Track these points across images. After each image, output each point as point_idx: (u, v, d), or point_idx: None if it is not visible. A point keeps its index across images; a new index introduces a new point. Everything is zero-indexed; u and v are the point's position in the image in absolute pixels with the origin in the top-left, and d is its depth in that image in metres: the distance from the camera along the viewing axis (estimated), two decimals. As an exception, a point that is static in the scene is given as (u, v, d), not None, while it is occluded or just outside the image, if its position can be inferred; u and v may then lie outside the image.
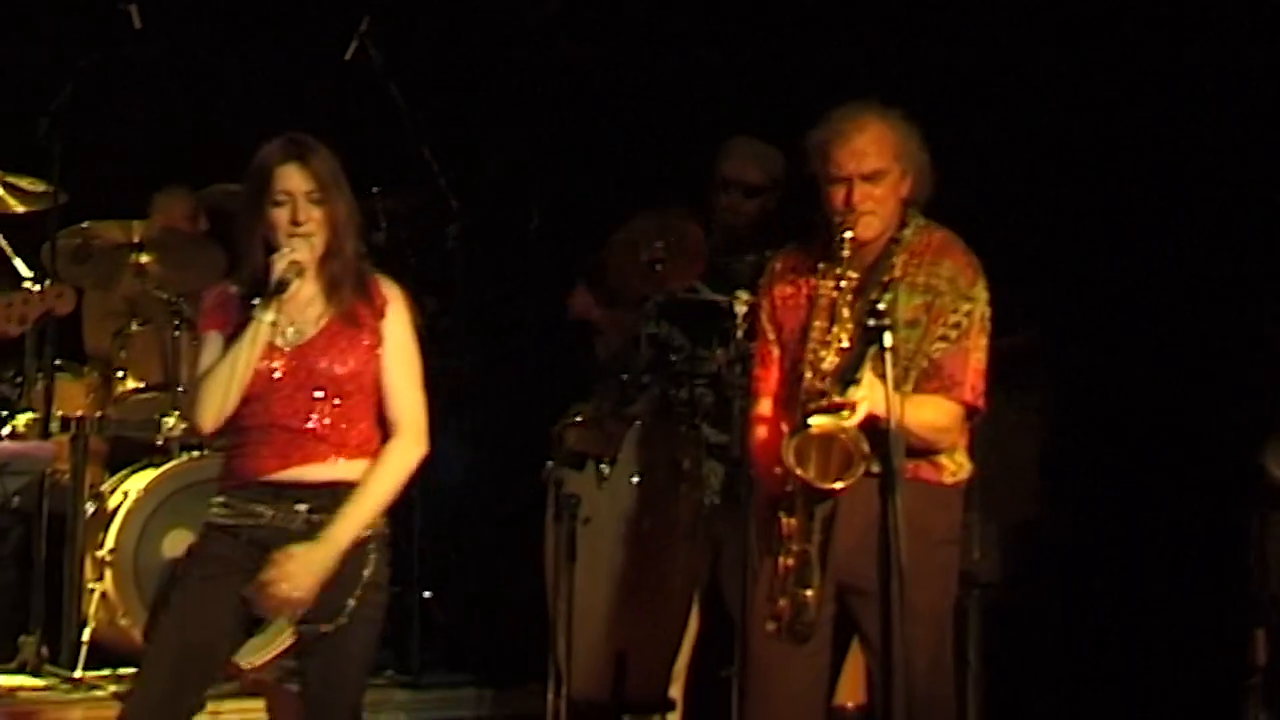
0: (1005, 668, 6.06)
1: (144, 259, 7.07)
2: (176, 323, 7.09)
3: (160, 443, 6.96)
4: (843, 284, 4.69)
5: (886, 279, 4.71)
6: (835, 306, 4.69)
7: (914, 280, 4.73)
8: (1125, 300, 6.22)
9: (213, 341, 4.48)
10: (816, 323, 4.72)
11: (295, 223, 4.43)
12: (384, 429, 4.53)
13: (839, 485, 4.55)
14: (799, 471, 4.55)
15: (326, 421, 4.46)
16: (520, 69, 8.06)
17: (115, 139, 7.74)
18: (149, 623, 4.62)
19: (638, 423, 6.09)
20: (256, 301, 4.40)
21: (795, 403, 4.67)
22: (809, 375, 4.67)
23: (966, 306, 4.73)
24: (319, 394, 4.46)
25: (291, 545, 4.38)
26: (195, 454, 6.91)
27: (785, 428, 4.66)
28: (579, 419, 6.14)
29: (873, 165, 4.71)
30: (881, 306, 4.46)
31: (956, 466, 4.80)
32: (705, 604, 6.11)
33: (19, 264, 6.86)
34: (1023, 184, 6.38)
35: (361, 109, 7.26)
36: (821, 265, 4.77)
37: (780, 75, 7.06)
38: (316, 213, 4.45)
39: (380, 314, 4.55)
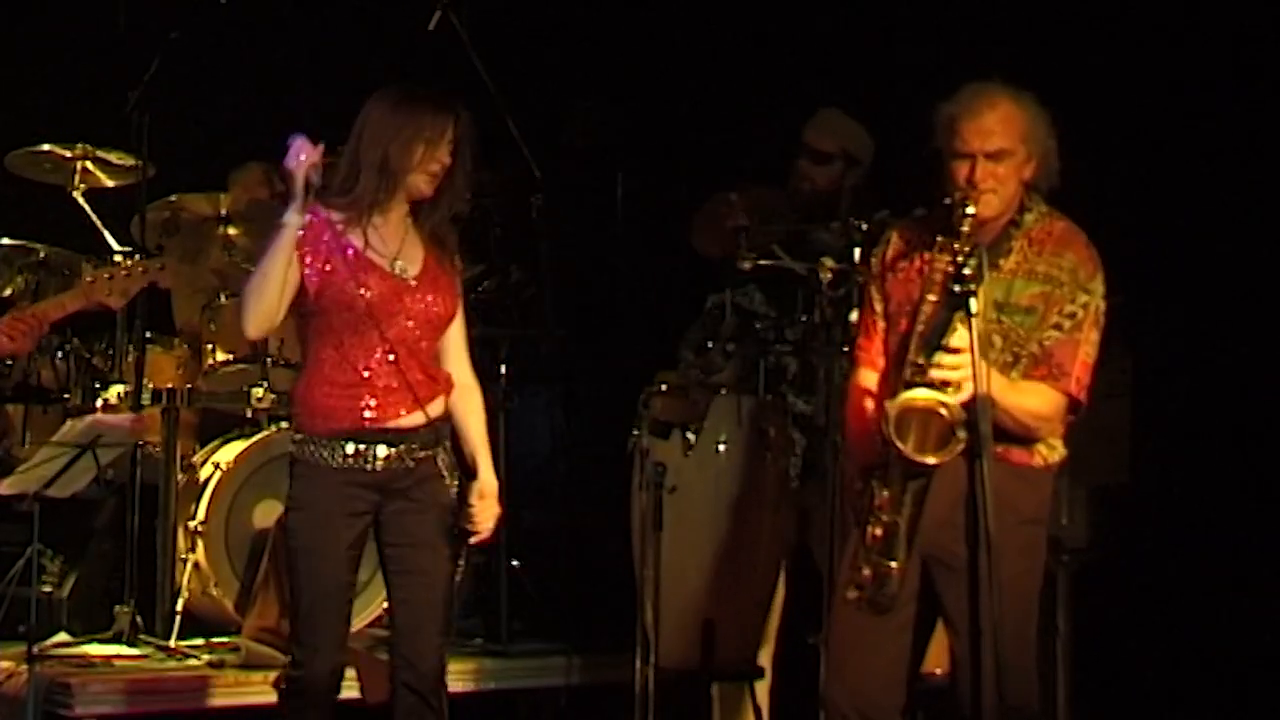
0: (1094, 634, 6.03)
1: (231, 231, 7.11)
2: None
3: (250, 414, 7.01)
4: (959, 259, 4.66)
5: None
6: (948, 283, 4.67)
7: (1033, 269, 4.70)
8: (1219, 265, 6.16)
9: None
10: (929, 297, 4.69)
11: (439, 161, 4.71)
12: None
13: (935, 459, 4.53)
14: (898, 443, 4.53)
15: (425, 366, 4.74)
16: (604, 37, 8.05)
17: (202, 112, 7.79)
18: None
19: (723, 391, 6.08)
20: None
21: (898, 376, 4.65)
22: (914, 349, 4.64)
23: (1084, 298, 4.70)
24: (418, 332, 4.72)
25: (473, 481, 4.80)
26: (284, 425, 6.95)
27: (886, 400, 4.64)
28: (665, 388, 6.14)
29: (998, 144, 4.67)
30: (967, 272, 4.42)
31: (1049, 450, 4.77)
32: (793, 571, 6.10)
33: (109, 238, 6.93)
34: (1114, 148, 6.32)
35: (445, 80, 7.26)
36: (939, 240, 4.73)
37: (870, 45, 7.02)
38: (445, 161, 4.73)
39: (459, 271, 4.88)
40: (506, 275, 7.21)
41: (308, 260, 4.66)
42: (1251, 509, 5.98)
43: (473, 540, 4.82)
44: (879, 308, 4.87)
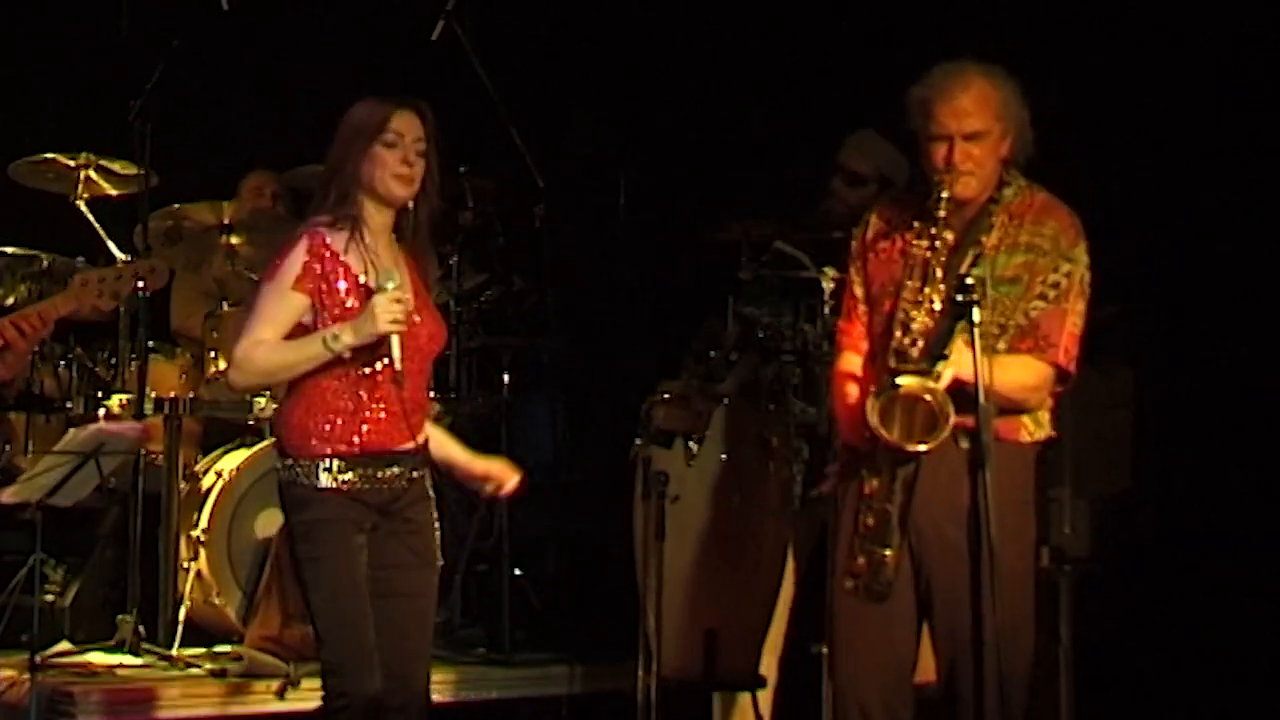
0: (1096, 643, 6.02)
1: (234, 240, 7.12)
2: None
3: (252, 423, 7.02)
4: (938, 243, 4.67)
5: (976, 253, 4.70)
6: (929, 266, 4.68)
7: (1015, 240, 4.72)
8: (1220, 275, 6.15)
9: (288, 302, 4.61)
10: (909, 281, 4.70)
11: (406, 163, 4.61)
12: None
13: (923, 447, 4.54)
14: (883, 432, 4.54)
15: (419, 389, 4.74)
16: (606, 46, 8.06)
17: (204, 121, 7.80)
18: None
19: (726, 400, 6.08)
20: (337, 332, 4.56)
21: (883, 358, 4.67)
22: (898, 334, 4.65)
23: (1067, 267, 4.71)
24: (416, 359, 4.69)
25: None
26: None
27: (871, 385, 4.65)
28: (667, 396, 6.14)
29: (975, 125, 4.69)
30: (970, 281, 4.42)
31: (1035, 426, 4.79)
32: (806, 579, 6.10)
33: (112, 246, 6.93)
34: (1113, 157, 6.32)
35: (448, 88, 7.28)
36: (917, 223, 4.75)
37: (872, 50, 7.02)
38: (421, 164, 4.65)
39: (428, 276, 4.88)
40: (509, 284, 7.22)
41: (309, 288, 4.62)
42: (1253, 518, 5.97)
43: (506, 491, 4.88)
44: (859, 291, 4.90)
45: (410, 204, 4.71)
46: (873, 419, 4.54)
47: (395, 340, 4.56)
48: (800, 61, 7.38)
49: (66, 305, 5.46)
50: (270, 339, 4.61)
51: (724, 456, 6.02)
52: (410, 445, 4.69)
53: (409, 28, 7.44)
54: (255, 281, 7.08)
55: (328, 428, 4.62)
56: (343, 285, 4.61)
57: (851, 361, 4.86)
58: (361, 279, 4.63)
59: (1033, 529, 4.86)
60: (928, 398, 4.52)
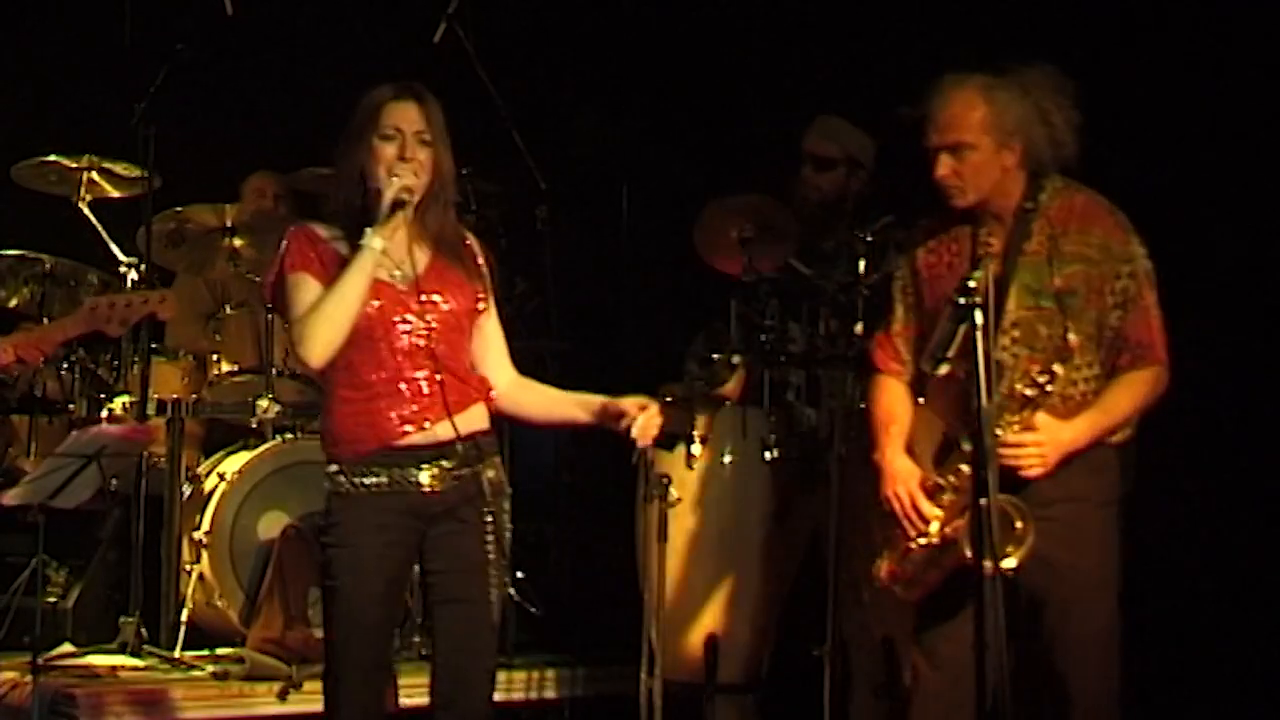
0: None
1: (237, 243, 7.12)
2: (269, 306, 7.15)
3: (255, 425, 7.02)
4: (983, 252, 4.70)
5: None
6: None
7: (1061, 250, 4.71)
8: (1221, 280, 6.14)
9: (305, 283, 4.40)
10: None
11: (402, 158, 4.42)
12: None
13: (1007, 564, 4.53)
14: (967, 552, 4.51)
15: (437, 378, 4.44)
16: (608, 48, 8.06)
17: (208, 124, 7.80)
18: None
19: (727, 403, 6.08)
20: (367, 230, 4.34)
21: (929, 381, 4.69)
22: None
23: (1127, 268, 4.72)
24: (434, 334, 4.44)
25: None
26: (289, 436, 6.97)
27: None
28: (669, 399, 6.14)
29: (954, 137, 4.71)
30: (972, 284, 4.41)
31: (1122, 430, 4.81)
32: (795, 582, 6.10)
33: (115, 249, 6.94)
34: (1112, 163, 6.31)
35: (450, 91, 7.26)
36: (960, 238, 4.80)
37: (874, 51, 7.02)
38: (423, 154, 4.45)
39: (478, 261, 4.57)
40: (511, 286, 7.22)
41: (311, 269, 4.42)
42: (1255, 524, 5.96)
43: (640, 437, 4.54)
44: (901, 308, 4.93)
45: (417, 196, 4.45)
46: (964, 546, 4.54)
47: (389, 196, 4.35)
48: (803, 62, 7.38)
49: (76, 328, 5.50)
50: (310, 303, 4.38)
51: (726, 460, 6.03)
52: (445, 433, 4.41)
53: (411, 30, 7.44)
54: (258, 284, 7.16)
55: (351, 424, 4.42)
56: (337, 267, 4.40)
57: (889, 386, 4.91)
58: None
59: (1114, 534, 4.81)
60: (1012, 514, 4.53)
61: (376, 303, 4.40)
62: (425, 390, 4.42)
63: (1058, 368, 4.60)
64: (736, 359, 6.04)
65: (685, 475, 5.95)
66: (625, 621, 6.04)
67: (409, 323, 4.44)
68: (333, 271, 4.40)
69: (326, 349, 4.33)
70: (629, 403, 4.55)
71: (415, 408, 4.42)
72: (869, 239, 5.84)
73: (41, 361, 5.84)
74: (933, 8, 6.85)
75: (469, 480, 4.46)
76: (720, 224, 6.14)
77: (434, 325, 4.45)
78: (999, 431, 4.56)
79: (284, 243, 4.50)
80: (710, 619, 5.93)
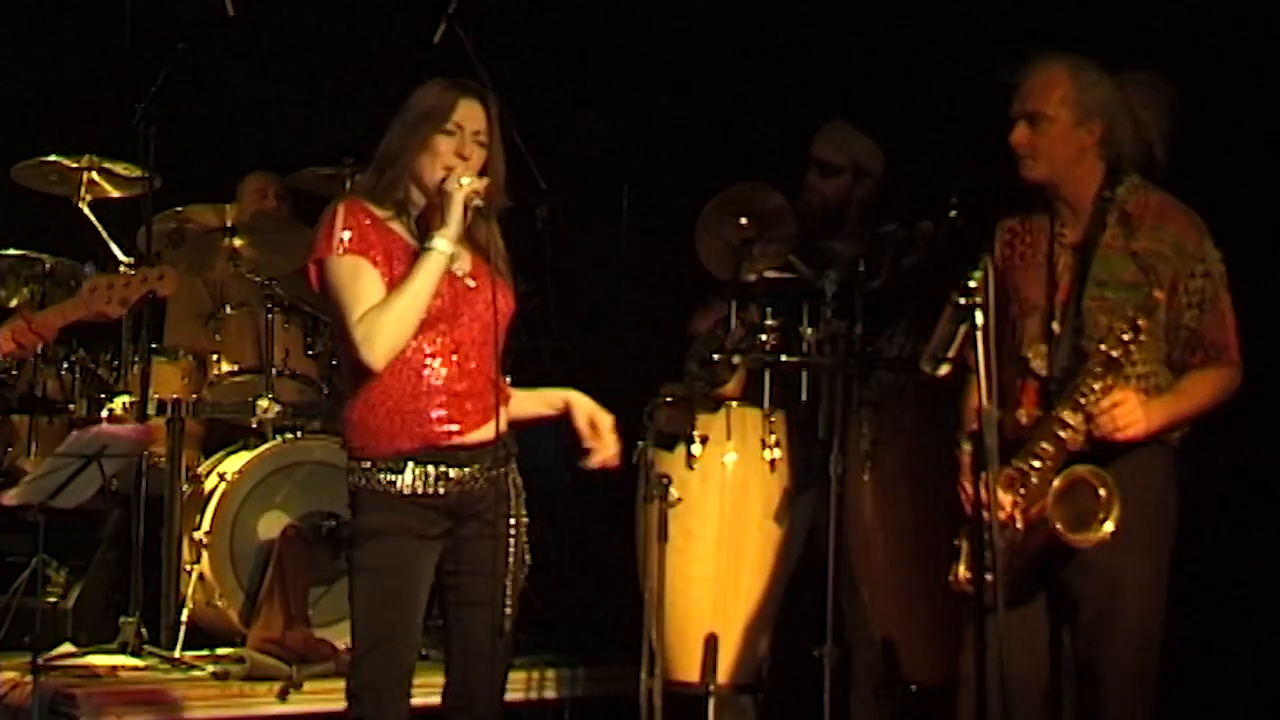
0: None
1: (237, 243, 7.12)
2: (269, 306, 7.16)
3: (255, 425, 7.02)
4: (1057, 246, 4.77)
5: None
6: (1054, 269, 4.77)
7: (1132, 245, 4.73)
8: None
9: (365, 272, 4.35)
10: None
11: (461, 155, 4.40)
12: None
13: (1088, 538, 4.57)
14: (1059, 525, 4.58)
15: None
16: (608, 48, 8.06)
17: (208, 124, 7.81)
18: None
19: (728, 403, 6.08)
20: (433, 234, 4.34)
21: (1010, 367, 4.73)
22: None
23: (1202, 268, 4.74)
24: (482, 336, 4.44)
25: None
26: (289, 436, 6.97)
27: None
28: (669, 399, 6.13)
29: (1033, 105, 4.76)
30: (973, 285, 4.41)
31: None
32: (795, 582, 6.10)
33: (115, 249, 6.94)
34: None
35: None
36: (1036, 229, 4.84)
37: (875, 53, 7.02)
38: (479, 155, 4.44)
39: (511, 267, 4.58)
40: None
41: (367, 252, 4.37)
42: (1256, 528, 5.95)
43: (596, 463, 4.57)
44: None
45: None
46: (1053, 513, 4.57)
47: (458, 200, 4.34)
48: (803, 62, 7.38)
49: (76, 312, 5.48)
50: (376, 300, 4.34)
51: (726, 460, 6.02)
52: (483, 435, 4.41)
53: (411, 30, 7.44)
54: (258, 284, 7.16)
55: (393, 420, 4.37)
56: (398, 257, 4.37)
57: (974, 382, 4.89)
58: (410, 243, 4.41)
59: (1165, 534, 4.81)
60: (1095, 482, 4.56)
61: (441, 296, 4.38)
62: (470, 390, 4.41)
63: (1143, 321, 4.60)
64: (736, 359, 6.03)
65: (685, 475, 5.94)
66: (625, 621, 6.04)
67: (467, 316, 4.44)
68: (394, 262, 4.37)
69: (391, 352, 4.33)
70: (584, 422, 4.59)
71: (462, 401, 4.41)
72: (869, 239, 5.85)
73: (40, 347, 5.81)
74: (933, 10, 6.84)
75: (500, 480, 4.47)
76: (720, 224, 6.13)
77: (486, 322, 4.45)
78: (1081, 399, 4.60)
79: (335, 217, 4.41)
80: (710, 619, 5.92)
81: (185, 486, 6.92)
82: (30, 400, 6.96)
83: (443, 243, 4.35)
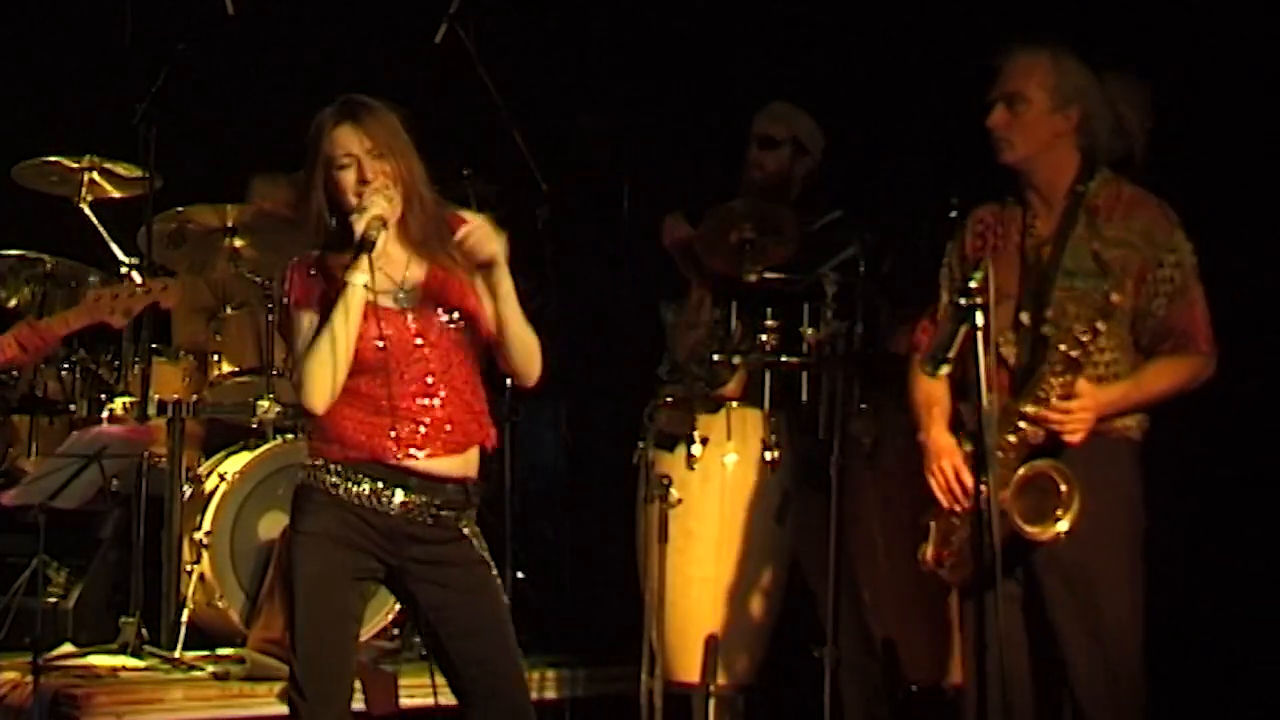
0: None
1: (238, 243, 7.13)
2: (270, 306, 7.16)
3: (255, 425, 7.02)
4: (1028, 239, 4.78)
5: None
6: (1025, 261, 4.78)
7: (1104, 234, 4.74)
8: (1219, 287, 6.13)
9: (304, 318, 4.39)
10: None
11: (363, 181, 4.35)
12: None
13: (1048, 530, 4.59)
14: (1016, 518, 4.59)
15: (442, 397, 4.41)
16: (610, 49, 8.06)
17: (209, 124, 7.80)
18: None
19: (729, 403, 6.08)
20: (347, 268, 4.29)
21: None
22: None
23: (1172, 258, 4.74)
24: (448, 357, 4.41)
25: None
26: (290, 437, 6.97)
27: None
28: (670, 400, 6.14)
29: (1011, 87, 4.78)
30: (973, 285, 4.41)
31: (1142, 416, 4.81)
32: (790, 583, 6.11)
33: (116, 249, 6.95)
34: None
35: (452, 92, 7.28)
36: (1008, 221, 4.85)
37: (875, 53, 7.02)
38: (385, 167, 4.38)
39: (463, 247, 4.43)
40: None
41: (312, 302, 4.40)
42: (1255, 531, 5.95)
43: (481, 257, 4.38)
44: (946, 298, 4.94)
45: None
46: (1013, 511, 4.59)
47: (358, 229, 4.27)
48: (803, 62, 7.37)
49: (79, 320, 5.50)
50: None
51: (726, 460, 6.03)
52: (442, 469, 4.39)
53: (412, 31, 7.44)
54: (259, 284, 7.17)
55: (353, 429, 4.37)
56: (334, 295, 4.34)
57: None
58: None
59: (1133, 527, 4.80)
60: (1056, 478, 4.57)
61: (380, 344, 4.34)
62: (431, 421, 4.39)
63: (1100, 325, 4.60)
64: (737, 359, 6.04)
65: (686, 476, 5.95)
66: (625, 621, 6.04)
67: (420, 350, 4.40)
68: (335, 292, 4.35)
69: (325, 393, 4.31)
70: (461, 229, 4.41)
71: (420, 434, 4.38)
72: (815, 230, 5.91)
73: (43, 354, 5.82)
74: (934, 11, 6.84)
75: (450, 523, 4.43)
76: (720, 226, 6.14)
77: (446, 346, 4.42)
78: (1041, 394, 4.61)
79: (286, 275, 4.48)
80: (710, 619, 5.93)
81: (186, 487, 6.92)
82: (31, 401, 6.97)
83: (355, 277, 4.31)
